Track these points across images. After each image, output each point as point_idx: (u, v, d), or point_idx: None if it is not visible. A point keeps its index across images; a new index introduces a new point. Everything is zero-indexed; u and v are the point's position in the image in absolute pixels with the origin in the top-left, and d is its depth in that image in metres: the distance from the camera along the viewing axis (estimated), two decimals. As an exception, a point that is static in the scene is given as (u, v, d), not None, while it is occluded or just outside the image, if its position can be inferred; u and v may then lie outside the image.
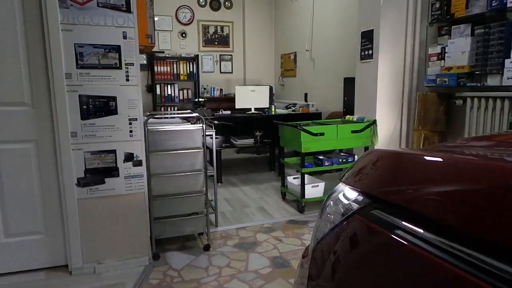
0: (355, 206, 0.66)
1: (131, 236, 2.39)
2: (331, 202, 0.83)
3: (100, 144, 2.25)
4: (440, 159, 0.56)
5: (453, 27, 2.98)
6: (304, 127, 3.22)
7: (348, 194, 0.76)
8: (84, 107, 2.19)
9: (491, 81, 2.70)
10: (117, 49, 2.20)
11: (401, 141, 3.56)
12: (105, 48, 2.18)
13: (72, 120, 2.18)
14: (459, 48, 2.89)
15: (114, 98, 2.24)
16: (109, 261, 2.36)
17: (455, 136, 3.18)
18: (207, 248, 2.64)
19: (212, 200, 3.06)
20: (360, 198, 0.68)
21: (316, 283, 0.73)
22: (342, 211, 0.71)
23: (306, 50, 5.68)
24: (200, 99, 5.36)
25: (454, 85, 2.93)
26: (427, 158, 0.59)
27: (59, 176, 2.23)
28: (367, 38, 3.48)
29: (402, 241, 0.50)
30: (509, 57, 2.54)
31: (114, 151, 2.29)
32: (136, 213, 2.39)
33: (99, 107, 2.22)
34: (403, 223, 0.52)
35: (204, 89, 6.64)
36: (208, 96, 6.52)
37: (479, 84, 2.78)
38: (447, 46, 3.01)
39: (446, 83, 2.99)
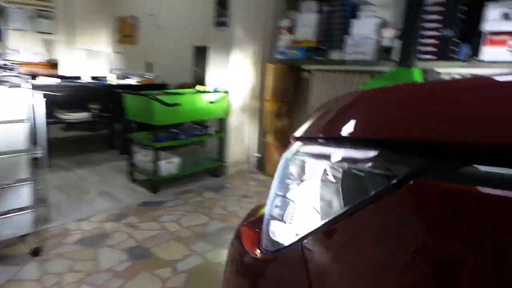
0: (385, 168, 0.43)
1: None
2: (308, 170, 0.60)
3: None
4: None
5: (301, 2, 3.10)
6: (157, 97, 2.83)
7: (326, 152, 0.54)
8: None
9: (334, 55, 2.93)
10: None
11: (254, 111, 3.59)
12: None
13: None
14: (307, 23, 3.03)
15: None
16: None
17: (301, 106, 3.38)
18: (36, 252, 2.00)
19: (40, 189, 2.36)
20: (371, 153, 0.46)
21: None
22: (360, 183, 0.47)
23: (151, 15, 5.09)
24: (7, 63, 4.15)
25: (303, 58, 3.07)
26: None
27: None
28: (222, 5, 3.28)
29: None
30: (348, 34, 2.80)
31: None
32: None
33: None
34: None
35: (13, 51, 5.21)
36: (19, 61, 5.14)
37: (324, 58, 2.99)
38: (296, 20, 3.12)
39: (296, 56, 3.11)
